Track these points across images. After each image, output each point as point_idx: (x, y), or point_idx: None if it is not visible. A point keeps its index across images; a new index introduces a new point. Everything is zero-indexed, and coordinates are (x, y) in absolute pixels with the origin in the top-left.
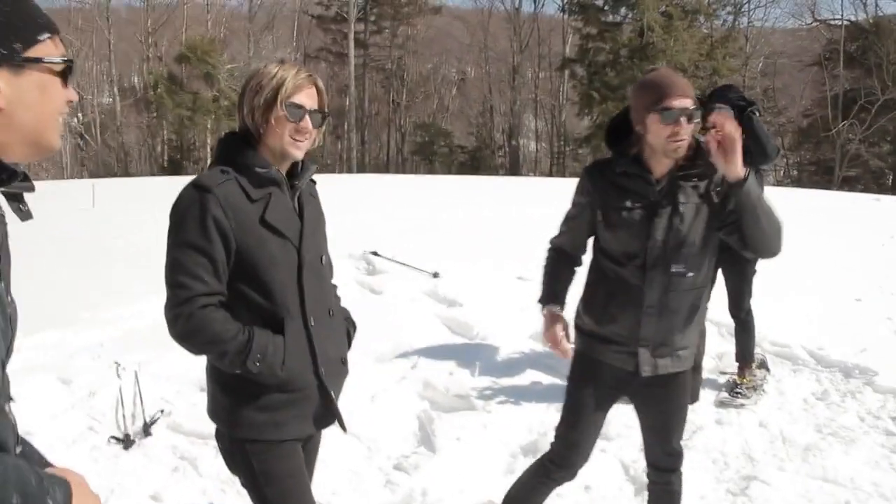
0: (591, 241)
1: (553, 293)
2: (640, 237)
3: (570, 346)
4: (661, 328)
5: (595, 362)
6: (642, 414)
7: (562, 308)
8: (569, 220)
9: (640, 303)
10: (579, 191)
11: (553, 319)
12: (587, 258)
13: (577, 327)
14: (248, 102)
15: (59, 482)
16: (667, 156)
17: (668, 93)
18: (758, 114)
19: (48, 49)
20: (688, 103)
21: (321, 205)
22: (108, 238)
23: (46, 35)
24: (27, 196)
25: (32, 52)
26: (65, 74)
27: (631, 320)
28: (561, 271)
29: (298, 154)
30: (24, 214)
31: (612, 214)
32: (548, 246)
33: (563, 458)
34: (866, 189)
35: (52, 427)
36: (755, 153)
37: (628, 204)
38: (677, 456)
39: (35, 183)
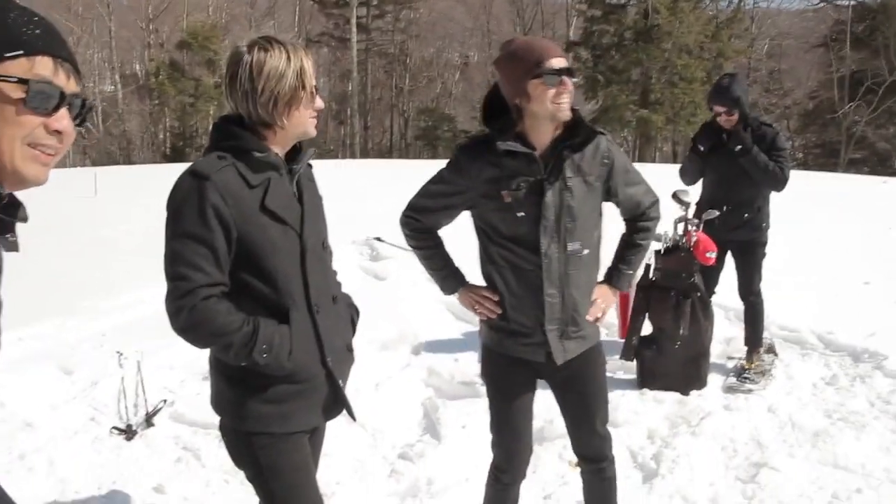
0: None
1: (455, 273)
2: (529, 218)
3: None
4: (565, 311)
5: (505, 358)
6: (563, 402)
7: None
8: (438, 195)
9: (540, 288)
10: (455, 169)
11: (472, 292)
12: (474, 245)
13: (481, 322)
14: (267, 90)
15: None
16: (554, 120)
17: (545, 55)
18: (745, 146)
19: (17, 68)
20: (564, 63)
21: (318, 189)
22: (111, 226)
23: (19, 52)
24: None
25: None
26: (34, 97)
27: (533, 307)
28: (440, 244)
29: (314, 131)
30: (10, 245)
31: (497, 196)
32: (406, 219)
33: (505, 462)
34: (872, 171)
35: (53, 418)
36: (764, 185)
37: (513, 184)
38: (604, 440)
39: None
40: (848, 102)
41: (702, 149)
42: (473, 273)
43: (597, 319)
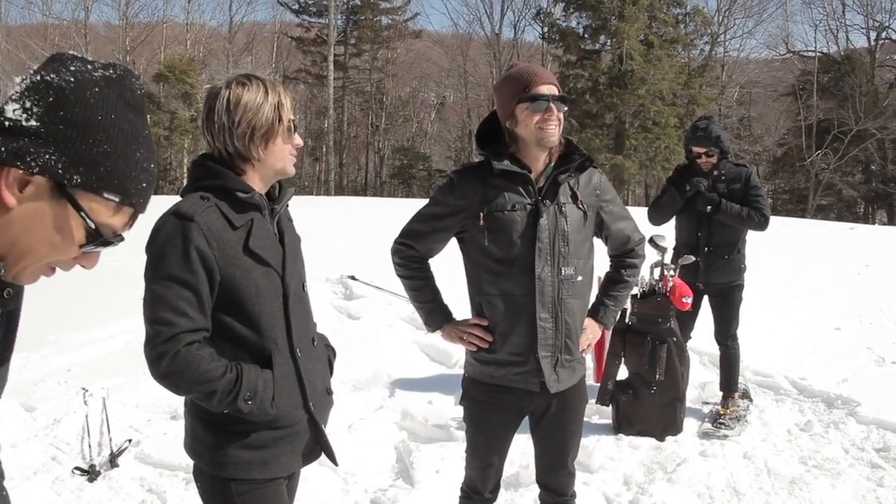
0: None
1: (442, 307)
2: (524, 240)
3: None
4: (559, 337)
5: (494, 389)
6: (540, 434)
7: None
8: (431, 218)
9: (532, 313)
10: (449, 192)
11: (458, 326)
12: (461, 275)
13: (468, 353)
14: (244, 122)
15: None
16: (540, 145)
17: (534, 80)
18: (715, 205)
19: (103, 210)
20: (554, 90)
21: (295, 229)
22: None
23: (115, 197)
24: None
25: (84, 198)
26: (92, 238)
27: (525, 334)
28: (431, 277)
29: (293, 169)
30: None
31: (491, 217)
32: (398, 247)
33: (478, 485)
34: (839, 217)
35: (12, 457)
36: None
37: (508, 206)
38: (571, 476)
39: None
40: (815, 150)
41: (688, 189)
42: (457, 311)
43: (582, 350)
